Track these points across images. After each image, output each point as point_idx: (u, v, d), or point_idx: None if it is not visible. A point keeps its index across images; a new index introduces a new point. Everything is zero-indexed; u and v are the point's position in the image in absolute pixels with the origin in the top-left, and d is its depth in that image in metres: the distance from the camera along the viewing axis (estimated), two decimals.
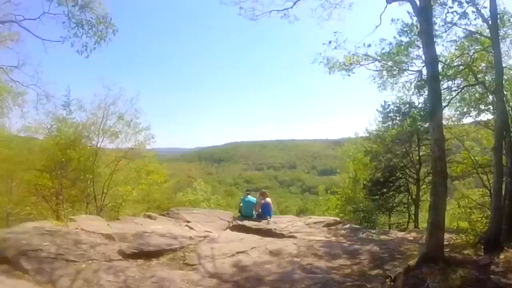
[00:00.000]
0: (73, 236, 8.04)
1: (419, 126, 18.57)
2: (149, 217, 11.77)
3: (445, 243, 7.72)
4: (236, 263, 7.71)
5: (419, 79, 12.43)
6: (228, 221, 12.05)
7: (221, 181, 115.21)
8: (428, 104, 8.50)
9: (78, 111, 17.47)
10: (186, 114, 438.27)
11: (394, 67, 13.16)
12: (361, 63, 12.58)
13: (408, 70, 13.12)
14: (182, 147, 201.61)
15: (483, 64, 12.97)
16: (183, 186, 32.72)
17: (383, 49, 12.29)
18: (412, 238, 10.71)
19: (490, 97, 14.98)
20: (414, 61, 12.82)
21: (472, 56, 12.40)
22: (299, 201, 77.81)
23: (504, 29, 11.64)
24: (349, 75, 12.77)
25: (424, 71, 10.45)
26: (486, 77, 13.13)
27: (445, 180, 7.02)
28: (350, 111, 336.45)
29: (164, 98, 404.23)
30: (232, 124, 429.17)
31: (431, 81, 7.41)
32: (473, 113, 16.95)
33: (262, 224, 11.52)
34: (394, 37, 12.02)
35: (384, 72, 13.50)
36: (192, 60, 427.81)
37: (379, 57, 12.56)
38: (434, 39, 9.71)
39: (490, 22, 8.97)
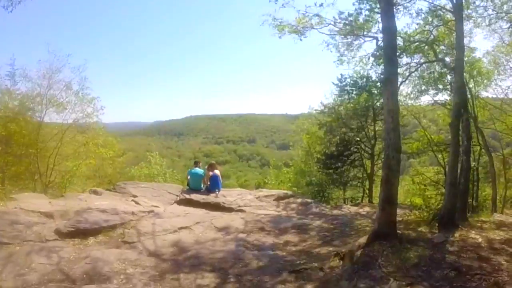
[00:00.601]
0: (11, 216, 7.28)
1: (375, 101, 18.56)
2: (95, 192, 10.92)
3: (399, 219, 7.50)
4: (177, 240, 7.22)
5: (376, 49, 12.01)
6: (177, 195, 11.40)
7: (180, 155, 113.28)
8: (383, 74, 8.10)
9: (23, 81, 16.10)
10: (145, 87, 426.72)
11: (350, 33, 12.56)
12: (315, 26, 11.94)
13: (365, 36, 12.59)
14: (141, 121, 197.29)
15: (443, 46, 12.96)
16: (141, 161, 31.36)
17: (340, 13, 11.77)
18: (365, 213, 10.66)
19: (449, 77, 15.14)
20: (376, 35, 12.37)
21: (433, 32, 12.20)
22: (258, 175, 78.07)
23: (469, 11, 11.63)
24: (301, 39, 12.23)
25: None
26: (447, 58, 13.09)
27: (398, 153, 6.60)
28: (308, 86, 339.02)
29: (124, 72, 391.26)
30: (191, 97, 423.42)
31: (387, 49, 7.04)
32: (431, 92, 17.27)
33: (210, 198, 10.99)
34: (353, 4, 11.61)
35: (338, 38, 12.88)
36: (148, 32, 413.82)
37: (338, 19, 11.95)
38: (396, 10, 9.28)
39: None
